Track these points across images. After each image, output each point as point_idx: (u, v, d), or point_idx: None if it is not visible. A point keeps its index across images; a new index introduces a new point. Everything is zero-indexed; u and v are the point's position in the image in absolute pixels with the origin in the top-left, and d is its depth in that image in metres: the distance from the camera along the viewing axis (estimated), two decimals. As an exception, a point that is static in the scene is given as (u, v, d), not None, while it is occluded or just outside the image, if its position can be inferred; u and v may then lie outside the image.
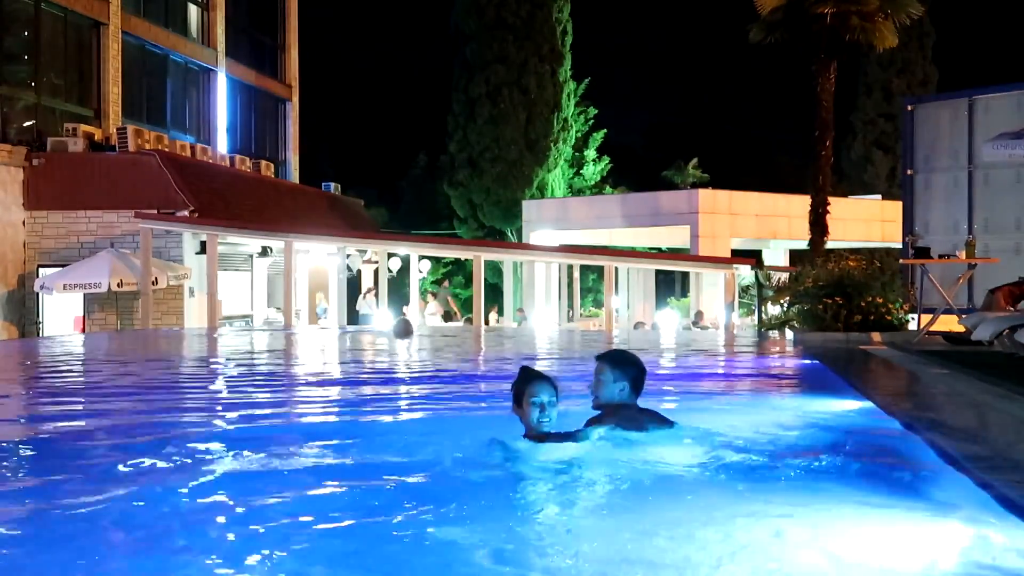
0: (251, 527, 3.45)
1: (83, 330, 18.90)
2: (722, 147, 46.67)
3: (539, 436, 4.32)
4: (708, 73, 57.37)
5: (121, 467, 4.54)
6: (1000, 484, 3.61)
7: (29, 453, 5.18)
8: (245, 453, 4.83)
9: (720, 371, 9.68)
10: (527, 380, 4.39)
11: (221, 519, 3.67)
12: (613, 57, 57.19)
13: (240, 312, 21.69)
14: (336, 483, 4.23)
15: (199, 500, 3.94)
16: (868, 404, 5.92)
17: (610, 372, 4.62)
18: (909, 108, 14.71)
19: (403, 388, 8.29)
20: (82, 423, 6.20)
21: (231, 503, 3.91)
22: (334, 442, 5.21)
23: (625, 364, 4.68)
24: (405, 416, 6.63)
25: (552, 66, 32.94)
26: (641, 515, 3.64)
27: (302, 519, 3.54)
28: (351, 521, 3.54)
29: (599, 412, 4.63)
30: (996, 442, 4.74)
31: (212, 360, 11.41)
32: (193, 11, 26.04)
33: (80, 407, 7.02)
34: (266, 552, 3.13)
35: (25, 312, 19.21)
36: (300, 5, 31.18)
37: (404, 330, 13.26)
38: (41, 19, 20.74)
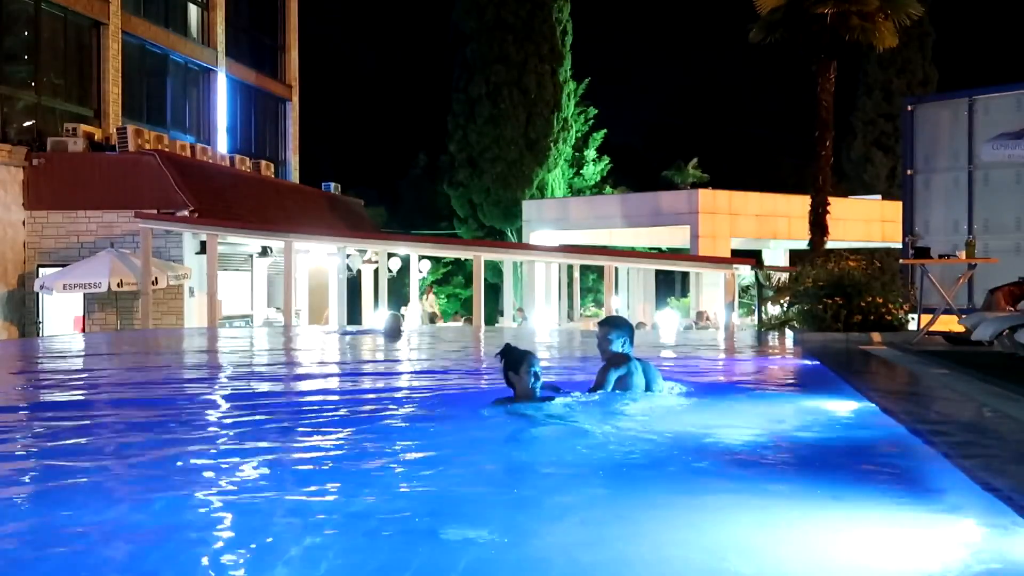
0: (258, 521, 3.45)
1: (83, 330, 18.89)
2: (722, 147, 46.60)
3: (530, 397, 5.63)
4: (708, 73, 57.36)
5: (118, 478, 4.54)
6: (1001, 484, 3.61)
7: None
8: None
9: (720, 371, 9.68)
10: (524, 354, 5.71)
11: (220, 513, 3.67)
12: (613, 57, 57.19)
13: (240, 312, 21.68)
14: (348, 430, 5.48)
15: (194, 486, 3.94)
16: (868, 404, 5.92)
17: (614, 332, 6.20)
18: (909, 108, 14.70)
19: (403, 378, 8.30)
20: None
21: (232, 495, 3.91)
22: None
23: (622, 324, 6.39)
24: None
25: (552, 66, 32.94)
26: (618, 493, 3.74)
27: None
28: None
29: (605, 363, 6.08)
30: (996, 443, 4.74)
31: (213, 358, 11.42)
32: (193, 11, 26.04)
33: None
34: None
35: (25, 312, 19.21)
36: (300, 5, 31.18)
37: (394, 329, 13.21)
38: (41, 19, 20.74)
